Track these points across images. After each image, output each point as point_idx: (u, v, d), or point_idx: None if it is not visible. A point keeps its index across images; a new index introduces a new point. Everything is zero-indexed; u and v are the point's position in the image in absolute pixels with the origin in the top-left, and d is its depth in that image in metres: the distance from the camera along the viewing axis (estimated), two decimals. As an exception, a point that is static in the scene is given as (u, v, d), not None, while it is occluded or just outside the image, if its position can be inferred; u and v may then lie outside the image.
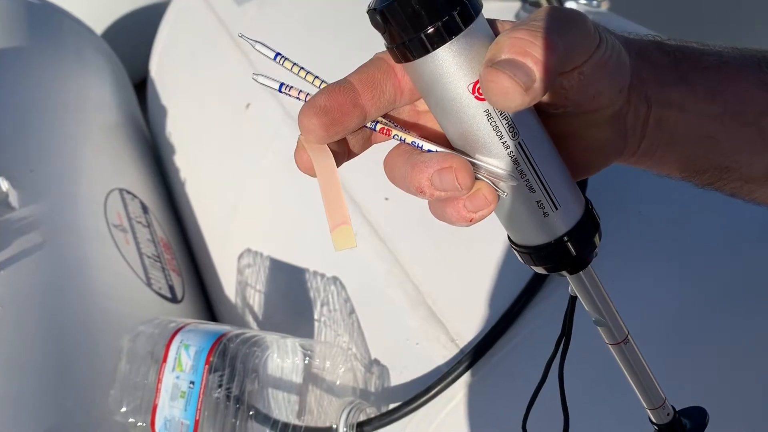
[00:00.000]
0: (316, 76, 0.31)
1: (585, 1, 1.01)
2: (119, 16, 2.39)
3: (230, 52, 1.35)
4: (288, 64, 0.31)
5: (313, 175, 0.31)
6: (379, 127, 0.31)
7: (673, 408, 0.40)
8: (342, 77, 0.31)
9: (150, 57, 1.74)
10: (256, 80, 0.32)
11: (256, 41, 0.32)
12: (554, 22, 0.29)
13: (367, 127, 0.31)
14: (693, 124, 0.35)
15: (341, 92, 0.30)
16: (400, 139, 0.31)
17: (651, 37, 0.36)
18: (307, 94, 0.31)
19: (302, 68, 0.31)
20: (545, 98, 0.31)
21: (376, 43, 0.30)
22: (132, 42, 2.09)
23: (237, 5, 1.43)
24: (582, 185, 0.67)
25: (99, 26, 2.20)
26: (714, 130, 0.35)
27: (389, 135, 0.31)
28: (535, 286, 0.68)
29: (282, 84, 0.32)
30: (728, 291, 0.61)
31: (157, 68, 1.70)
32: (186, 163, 1.45)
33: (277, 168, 1.10)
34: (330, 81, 0.31)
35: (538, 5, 0.95)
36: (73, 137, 1.27)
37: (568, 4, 0.98)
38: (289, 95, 0.32)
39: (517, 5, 0.98)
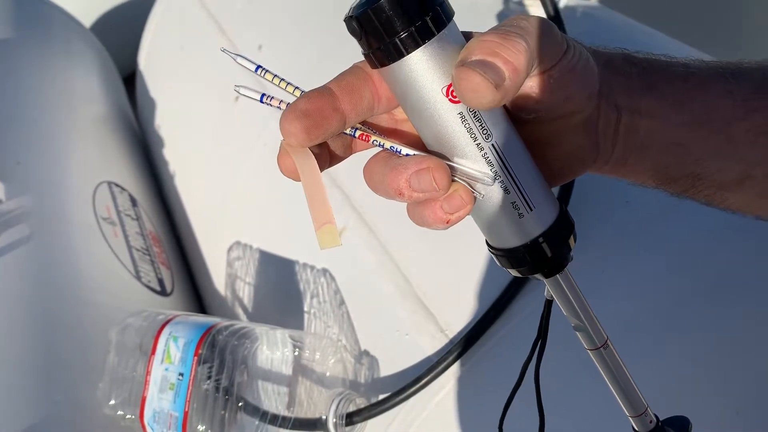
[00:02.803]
0: (297, 87, 0.32)
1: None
2: (108, 9, 2.37)
3: (219, 45, 1.35)
4: (269, 76, 0.32)
5: (296, 179, 0.32)
6: (358, 133, 0.33)
7: (656, 416, 0.40)
8: (326, 76, 0.32)
9: (139, 50, 1.73)
10: (238, 92, 0.33)
11: (238, 54, 0.33)
12: (522, 28, 0.30)
13: (346, 133, 0.32)
14: (663, 132, 0.36)
15: (321, 97, 0.31)
16: (379, 145, 0.32)
17: (619, 49, 0.38)
18: (288, 103, 0.32)
19: (282, 79, 0.32)
20: (518, 103, 0.32)
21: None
22: (121, 35, 2.08)
23: (225, -3, 1.43)
24: (568, 185, 0.68)
25: (87, 19, 2.18)
26: (683, 138, 0.36)
27: (368, 141, 0.33)
28: (523, 276, 0.68)
29: (263, 95, 0.33)
30: (716, 282, 0.61)
31: (146, 61, 1.68)
32: (175, 156, 1.44)
33: (266, 160, 1.10)
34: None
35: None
36: (60, 130, 1.26)
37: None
38: (270, 105, 0.33)
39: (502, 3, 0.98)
